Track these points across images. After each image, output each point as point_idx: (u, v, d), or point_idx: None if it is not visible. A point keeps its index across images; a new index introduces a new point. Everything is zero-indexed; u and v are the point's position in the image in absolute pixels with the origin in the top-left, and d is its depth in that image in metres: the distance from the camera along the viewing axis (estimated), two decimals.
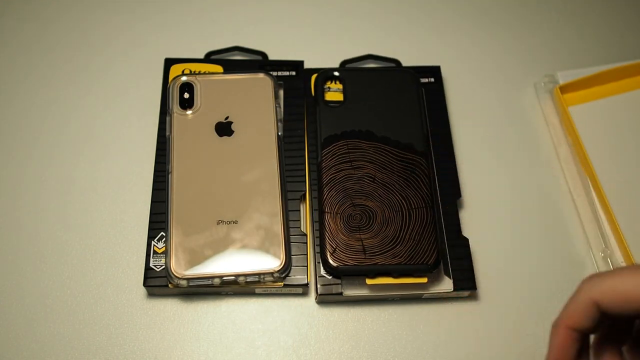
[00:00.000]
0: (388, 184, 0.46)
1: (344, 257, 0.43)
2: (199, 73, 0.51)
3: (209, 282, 0.42)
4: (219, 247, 0.43)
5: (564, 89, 0.53)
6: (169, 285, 0.43)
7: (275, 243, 0.43)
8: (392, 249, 0.44)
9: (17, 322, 0.44)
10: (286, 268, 0.43)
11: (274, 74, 0.51)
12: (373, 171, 0.46)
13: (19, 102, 0.52)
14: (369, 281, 0.44)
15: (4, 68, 0.54)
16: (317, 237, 0.45)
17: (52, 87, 0.53)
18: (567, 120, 0.51)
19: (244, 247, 0.43)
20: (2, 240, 0.47)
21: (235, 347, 0.44)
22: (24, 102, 0.52)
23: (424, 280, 0.44)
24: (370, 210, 0.45)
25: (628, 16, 0.60)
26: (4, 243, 0.46)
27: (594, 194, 0.49)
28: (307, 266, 0.44)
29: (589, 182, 0.49)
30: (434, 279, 0.45)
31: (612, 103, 0.54)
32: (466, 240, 0.46)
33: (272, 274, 0.43)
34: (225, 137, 0.47)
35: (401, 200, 0.45)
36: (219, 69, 0.52)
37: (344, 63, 0.54)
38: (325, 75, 0.51)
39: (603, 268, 0.47)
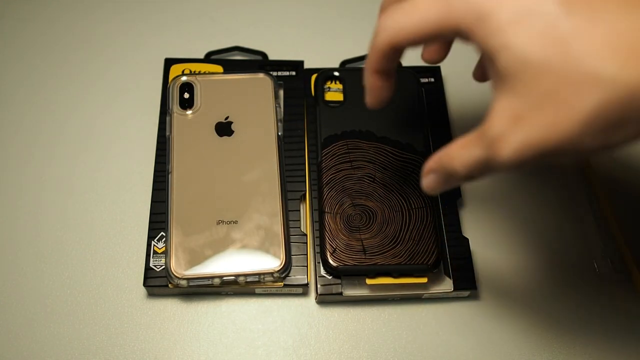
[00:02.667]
0: (388, 184, 0.46)
1: (344, 257, 0.43)
2: (199, 73, 0.51)
3: (209, 282, 0.42)
4: (219, 247, 0.43)
5: None
6: (169, 285, 0.43)
7: (275, 243, 0.43)
8: (392, 249, 0.44)
9: (17, 322, 0.44)
10: (286, 268, 0.43)
11: (274, 74, 0.51)
12: (373, 171, 0.47)
13: (19, 102, 0.52)
14: (369, 281, 0.44)
15: (4, 68, 0.54)
16: (317, 237, 0.45)
17: (52, 87, 0.53)
18: None
19: (244, 247, 0.43)
20: (2, 240, 0.47)
21: (235, 347, 0.44)
22: (23, 102, 0.52)
23: (424, 280, 0.44)
24: (370, 211, 0.45)
25: None
26: (4, 243, 0.46)
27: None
28: (307, 266, 0.44)
29: (589, 182, 0.49)
30: (434, 279, 0.45)
31: None
32: (466, 240, 0.46)
33: (272, 274, 0.43)
34: (225, 137, 0.47)
35: (401, 200, 0.45)
36: (219, 69, 0.52)
37: (344, 63, 0.54)
38: (325, 75, 0.51)
39: (603, 267, 0.47)
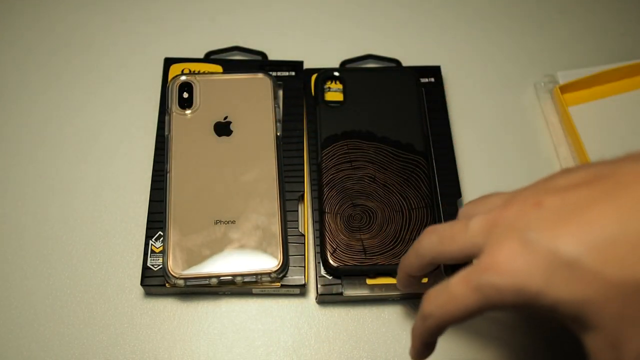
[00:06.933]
0: (388, 184, 0.46)
1: (345, 257, 0.43)
2: (199, 73, 0.51)
3: (206, 282, 0.42)
4: (216, 247, 0.43)
5: (564, 89, 0.53)
6: (166, 284, 0.43)
7: (272, 243, 0.43)
8: (392, 249, 0.44)
9: (16, 322, 0.44)
10: (283, 268, 0.43)
11: (274, 74, 0.51)
12: (373, 171, 0.46)
13: (18, 102, 0.52)
14: (369, 281, 0.44)
15: (5, 70, 0.54)
16: (317, 238, 0.45)
17: (51, 87, 0.53)
18: (567, 120, 0.51)
19: (242, 247, 0.43)
20: (2, 240, 0.46)
21: (235, 347, 0.43)
22: (23, 102, 0.52)
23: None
24: (370, 211, 0.45)
25: (628, 16, 0.60)
26: (4, 243, 0.46)
27: None
28: (304, 267, 0.44)
29: None
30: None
31: (612, 103, 0.53)
32: None
33: (269, 274, 0.42)
34: (224, 137, 0.47)
35: (401, 200, 0.45)
36: (219, 68, 0.52)
37: (344, 63, 0.54)
38: (325, 75, 0.51)
39: None
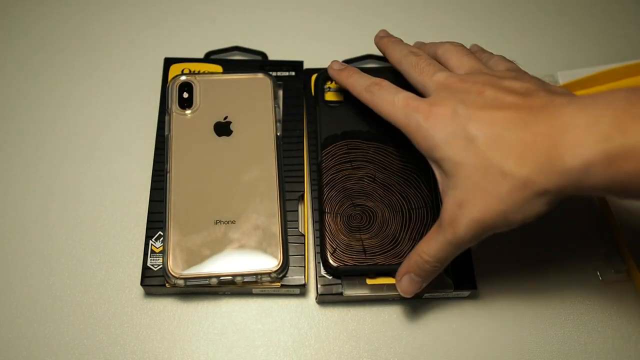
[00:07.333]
0: (388, 184, 0.46)
1: (344, 257, 0.43)
2: (199, 73, 0.51)
3: (206, 282, 0.42)
4: (216, 247, 0.43)
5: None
6: (166, 284, 0.43)
7: (272, 243, 0.43)
8: (392, 249, 0.44)
9: (16, 322, 0.44)
10: (283, 268, 0.43)
11: (274, 74, 0.51)
12: (373, 171, 0.46)
13: (20, 102, 0.52)
14: (369, 281, 0.44)
15: (6, 70, 0.54)
16: (317, 237, 0.45)
17: (52, 88, 0.53)
18: None
19: (242, 247, 0.43)
20: (2, 240, 0.47)
21: (235, 347, 0.44)
22: (24, 102, 0.52)
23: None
24: (370, 211, 0.45)
25: (628, 16, 0.60)
26: (4, 243, 0.46)
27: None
28: (304, 267, 0.44)
29: None
30: (434, 279, 0.44)
31: None
32: None
33: (269, 274, 0.42)
34: (224, 137, 0.47)
35: (401, 200, 0.45)
36: (219, 68, 0.52)
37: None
38: (325, 75, 0.51)
39: (604, 269, 0.47)
